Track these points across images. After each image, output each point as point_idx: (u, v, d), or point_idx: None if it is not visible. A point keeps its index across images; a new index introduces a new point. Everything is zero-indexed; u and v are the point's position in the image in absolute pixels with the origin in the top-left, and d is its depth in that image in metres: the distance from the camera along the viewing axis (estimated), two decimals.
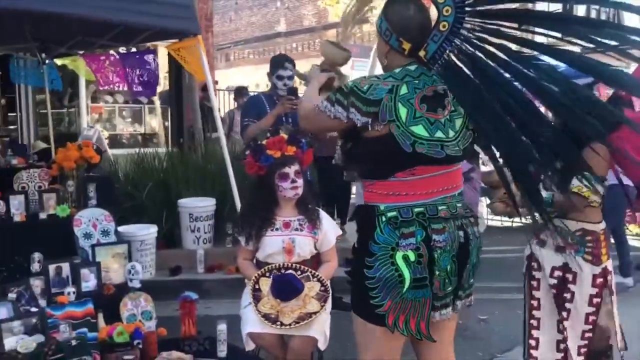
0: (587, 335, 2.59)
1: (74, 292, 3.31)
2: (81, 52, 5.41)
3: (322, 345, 2.64)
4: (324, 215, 2.89)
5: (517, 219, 6.95)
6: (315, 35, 18.45)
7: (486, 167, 3.40)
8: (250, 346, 2.66)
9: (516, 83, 1.75)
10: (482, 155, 2.03)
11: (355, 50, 13.32)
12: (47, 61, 5.52)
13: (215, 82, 8.16)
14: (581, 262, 2.56)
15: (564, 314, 2.61)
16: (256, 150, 2.83)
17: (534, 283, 2.69)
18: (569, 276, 2.59)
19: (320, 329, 2.62)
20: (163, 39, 4.69)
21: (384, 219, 1.79)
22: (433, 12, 1.85)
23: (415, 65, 1.85)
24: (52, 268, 3.41)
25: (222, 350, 3.38)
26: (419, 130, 1.78)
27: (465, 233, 1.85)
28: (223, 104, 8.46)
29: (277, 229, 2.76)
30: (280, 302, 2.59)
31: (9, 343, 2.68)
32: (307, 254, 2.78)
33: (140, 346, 3.12)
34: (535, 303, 2.69)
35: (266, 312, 2.58)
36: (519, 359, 2.84)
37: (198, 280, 4.64)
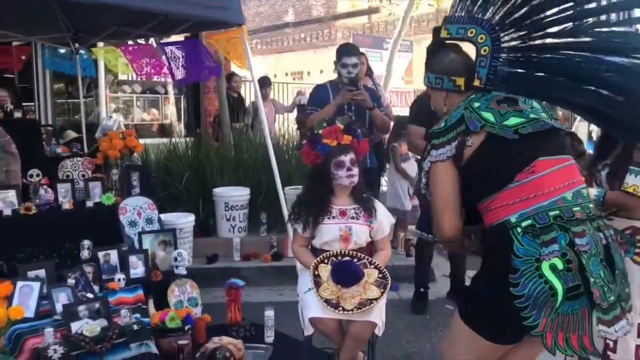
0: None
1: (123, 279, 3.37)
2: (115, 42, 5.41)
3: (379, 331, 2.69)
4: (378, 204, 2.93)
5: None
6: (324, 26, 18.38)
7: None
8: (309, 331, 2.70)
9: (576, 53, 1.71)
10: None
11: (368, 41, 13.34)
12: (80, 51, 5.52)
13: (232, 73, 8.18)
14: (630, 264, 2.34)
15: None
16: (313, 139, 2.88)
17: None
18: None
19: (379, 315, 2.67)
20: (204, 30, 4.69)
21: (519, 230, 1.70)
22: (468, 49, 1.93)
23: (473, 94, 1.87)
24: (101, 255, 3.47)
25: (270, 335, 3.46)
26: (513, 121, 1.76)
27: (604, 235, 1.75)
28: (245, 94, 8.48)
29: (333, 217, 2.81)
30: (340, 288, 2.64)
31: (75, 327, 2.75)
32: (363, 242, 2.83)
33: (190, 332, 3.20)
34: None
35: (327, 298, 2.62)
36: None
37: (235, 268, 4.70)
